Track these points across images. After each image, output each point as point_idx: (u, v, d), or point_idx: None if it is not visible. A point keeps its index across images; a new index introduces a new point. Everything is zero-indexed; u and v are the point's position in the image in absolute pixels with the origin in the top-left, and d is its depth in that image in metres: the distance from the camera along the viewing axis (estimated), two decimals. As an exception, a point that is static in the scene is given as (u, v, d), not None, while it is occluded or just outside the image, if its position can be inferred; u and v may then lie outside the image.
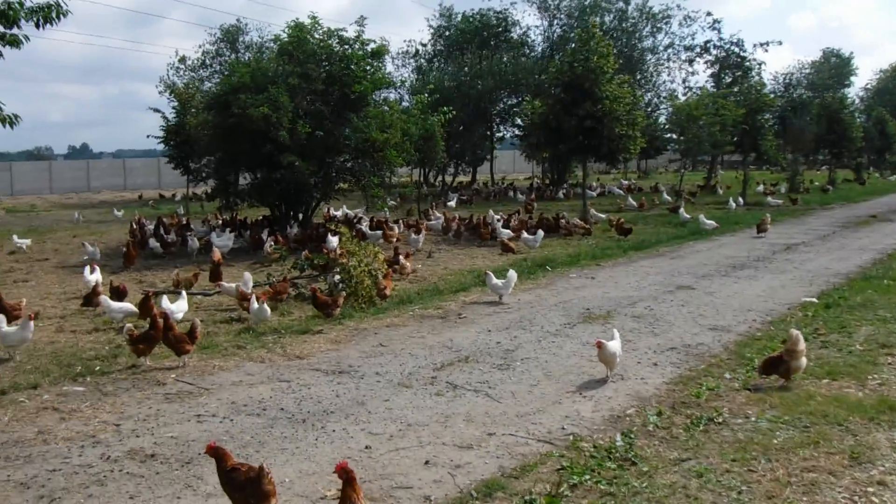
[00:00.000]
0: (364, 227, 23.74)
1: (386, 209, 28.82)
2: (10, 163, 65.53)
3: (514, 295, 14.60)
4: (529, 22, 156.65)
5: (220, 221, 26.26)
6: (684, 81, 60.24)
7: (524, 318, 12.80)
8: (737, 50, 56.46)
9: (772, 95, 46.83)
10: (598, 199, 39.31)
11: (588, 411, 8.17)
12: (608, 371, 9.38)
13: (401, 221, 26.30)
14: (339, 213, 29.17)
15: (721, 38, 56.98)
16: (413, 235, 21.85)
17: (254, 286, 14.53)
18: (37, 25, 13.38)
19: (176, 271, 16.34)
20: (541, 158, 49.29)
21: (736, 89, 45.05)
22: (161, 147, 38.16)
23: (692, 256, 19.98)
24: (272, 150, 21.18)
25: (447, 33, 54.86)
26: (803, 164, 55.82)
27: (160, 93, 47.35)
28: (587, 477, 6.49)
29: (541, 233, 21.69)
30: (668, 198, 36.65)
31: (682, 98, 49.94)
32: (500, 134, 56.74)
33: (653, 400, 8.52)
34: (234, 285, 14.11)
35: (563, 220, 25.09)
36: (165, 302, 12.26)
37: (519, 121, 51.48)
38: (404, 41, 70.79)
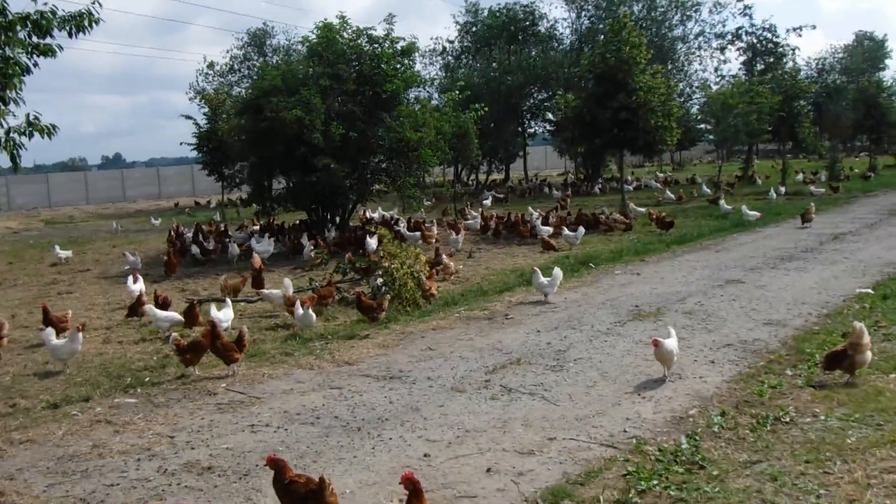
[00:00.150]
0: (402, 228, 23.60)
1: (422, 210, 28.64)
2: (46, 174, 66.29)
3: (559, 294, 14.38)
4: (556, 15, 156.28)
5: (258, 227, 26.25)
6: (716, 70, 59.56)
7: (572, 318, 12.57)
8: (769, 36, 55.61)
9: (807, 81, 46.02)
10: (634, 193, 38.86)
11: (649, 413, 7.95)
12: (665, 370, 9.14)
13: (435, 221, 26.12)
14: (375, 215, 29.09)
15: (753, 25, 56.24)
16: (452, 235, 21.67)
17: (296, 291, 14.44)
18: (70, 34, 13.30)
19: (224, 277, 16.30)
20: (574, 153, 48.83)
21: (770, 76, 44.22)
22: (194, 154, 38.40)
23: (737, 249, 19.61)
24: (306, 153, 21.11)
25: (474, 29, 54.58)
26: (842, 151, 54.89)
27: (190, 99, 47.67)
28: (655, 482, 6.29)
29: (581, 229, 21.41)
30: (708, 190, 36.09)
31: (715, 87, 49.26)
32: (532, 130, 56.37)
33: (714, 399, 8.28)
34: (277, 292, 14.03)
35: (603, 216, 24.79)
36: (214, 310, 12.19)
37: (550, 116, 51.13)
38: (431, 38, 70.67)
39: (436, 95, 41.49)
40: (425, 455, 7.01)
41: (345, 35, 22.90)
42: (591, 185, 45.00)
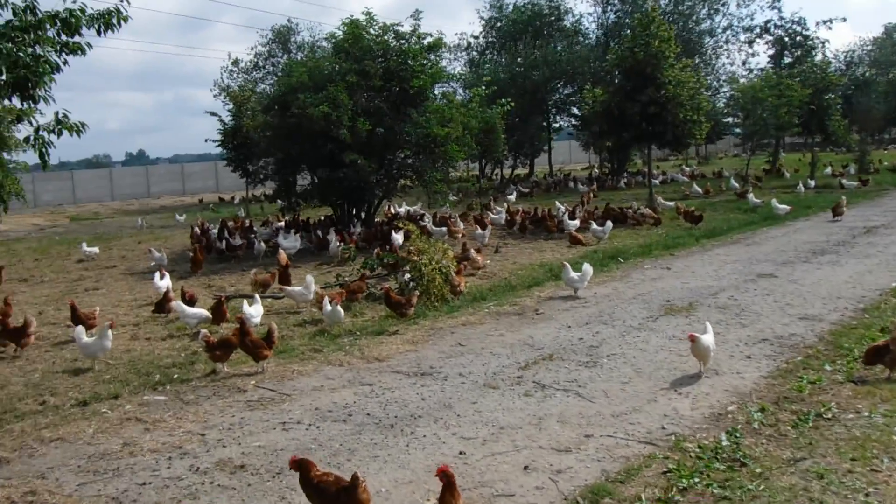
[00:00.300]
0: (427, 223, 23.48)
1: (447, 205, 28.52)
2: (71, 171, 66.61)
3: (588, 288, 14.21)
4: (582, 9, 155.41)
5: (283, 223, 26.22)
6: (744, 63, 58.94)
7: (603, 313, 12.41)
8: (799, 29, 54.90)
9: (836, 74, 45.42)
10: (661, 187, 38.52)
11: (686, 409, 7.79)
12: (702, 366, 8.97)
13: (459, 216, 25.92)
14: (402, 210, 28.98)
15: (782, 18, 55.56)
16: (478, 230, 21.53)
17: (325, 287, 14.36)
18: (98, 32, 13.25)
19: (254, 271, 16.27)
20: (600, 147, 48.47)
21: (798, 69, 43.66)
22: (218, 150, 38.46)
23: (768, 243, 19.33)
24: (333, 149, 21.03)
25: (498, 24, 54.29)
26: (870, 144, 54.19)
27: (215, 96, 47.73)
28: (696, 480, 6.15)
29: (609, 224, 21.21)
30: (736, 184, 35.72)
31: (743, 80, 48.70)
32: (557, 124, 56.04)
33: (753, 395, 8.11)
34: (299, 288, 13.96)
35: (630, 210, 24.56)
36: (246, 306, 12.14)
37: (575, 110, 50.77)
38: (455, 34, 70.58)
39: (461, 91, 41.20)
40: (461, 453, 6.89)
41: (371, 31, 22.79)
42: (617, 179, 44.71)
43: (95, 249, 23.16)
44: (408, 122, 21.84)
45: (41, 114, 12.63)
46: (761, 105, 36.35)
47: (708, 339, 8.90)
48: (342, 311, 12.07)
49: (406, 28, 23.05)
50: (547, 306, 13.20)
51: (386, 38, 22.84)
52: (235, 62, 54.46)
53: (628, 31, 36.64)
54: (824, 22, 55.69)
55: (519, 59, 49.39)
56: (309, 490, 5.65)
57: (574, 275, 13.85)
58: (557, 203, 27.43)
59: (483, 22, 55.31)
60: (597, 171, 55.65)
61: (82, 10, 13.20)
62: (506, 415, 7.82)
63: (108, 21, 13.51)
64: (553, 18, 53.29)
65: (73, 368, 10.54)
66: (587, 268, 14.10)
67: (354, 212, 24.72)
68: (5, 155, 18.37)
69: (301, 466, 5.69)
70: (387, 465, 6.73)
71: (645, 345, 10.31)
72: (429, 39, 23.16)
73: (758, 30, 55.14)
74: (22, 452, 7.44)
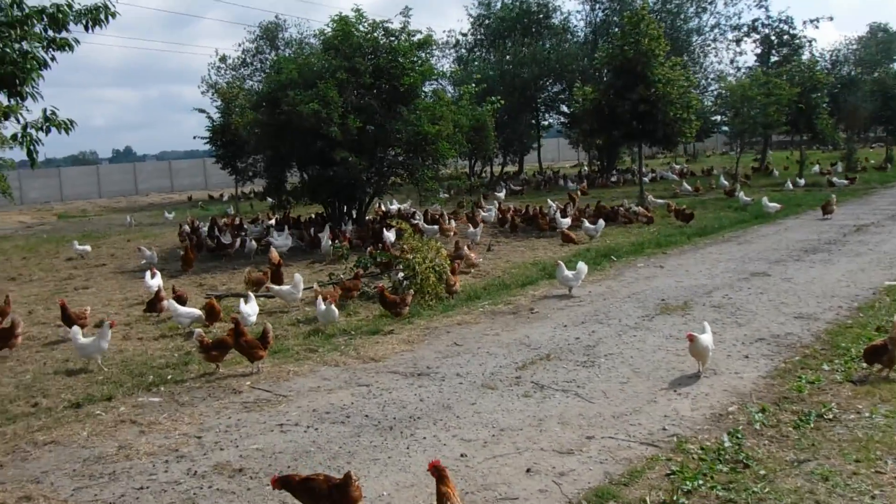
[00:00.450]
0: (419, 221, 23.38)
1: (439, 203, 28.41)
2: (58, 168, 65.93)
3: (583, 287, 14.17)
4: (570, 7, 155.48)
5: (273, 221, 26.08)
6: (732, 62, 58.98)
7: (599, 312, 12.36)
8: (786, 28, 55.04)
9: (823, 73, 45.55)
10: (651, 185, 38.48)
11: (687, 410, 7.75)
12: (700, 366, 8.93)
13: (449, 215, 25.78)
14: (393, 208, 28.86)
15: (769, 17, 55.68)
16: (470, 228, 21.45)
17: (323, 285, 14.29)
18: (86, 28, 13.15)
19: (247, 270, 16.15)
20: (589, 145, 48.48)
21: (786, 68, 43.75)
22: (206, 147, 38.27)
23: (760, 241, 19.35)
24: (324, 147, 20.93)
25: (487, 22, 54.24)
26: (857, 142, 54.44)
27: (202, 93, 47.49)
28: (700, 482, 6.10)
29: (602, 222, 21.16)
30: (725, 181, 35.80)
31: (731, 79, 48.82)
32: (546, 122, 56.06)
33: (753, 395, 8.09)
34: (287, 288, 13.88)
35: (622, 208, 24.55)
36: (243, 305, 12.02)
37: (564, 108, 50.76)
38: (444, 32, 70.35)
39: (450, 88, 41.10)
40: (462, 455, 6.81)
41: (361, 28, 22.69)
42: (607, 176, 44.73)
43: (87, 247, 22.95)
44: (398, 120, 21.77)
45: (28, 110, 12.52)
46: (750, 103, 36.42)
47: (707, 338, 8.86)
48: (336, 311, 11.97)
49: (396, 25, 23.00)
50: (542, 305, 13.14)
51: (376, 35, 22.76)
52: (223, 59, 54.28)
53: (617, 28, 36.66)
54: (811, 21, 55.94)
55: (508, 57, 49.39)
56: (300, 495, 5.59)
57: (569, 273, 13.80)
58: (550, 201, 27.39)
59: (471, 19, 55.27)
60: (586, 168, 55.67)
61: (70, 6, 13.06)
62: (506, 416, 7.76)
63: (95, 17, 13.37)
64: (541, 16, 53.27)
65: (65, 369, 10.41)
66: (581, 266, 14.06)
67: (345, 210, 24.60)
68: (-8, 152, 18.15)
69: (283, 485, 5.63)
70: (387, 468, 6.65)
71: (642, 344, 10.27)
72: (419, 37, 23.10)
73: (745, 28, 55.25)
74: (15, 456, 7.32)
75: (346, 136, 20.65)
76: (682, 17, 52.66)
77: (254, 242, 21.20)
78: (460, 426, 7.53)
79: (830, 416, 7.36)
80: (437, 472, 5.32)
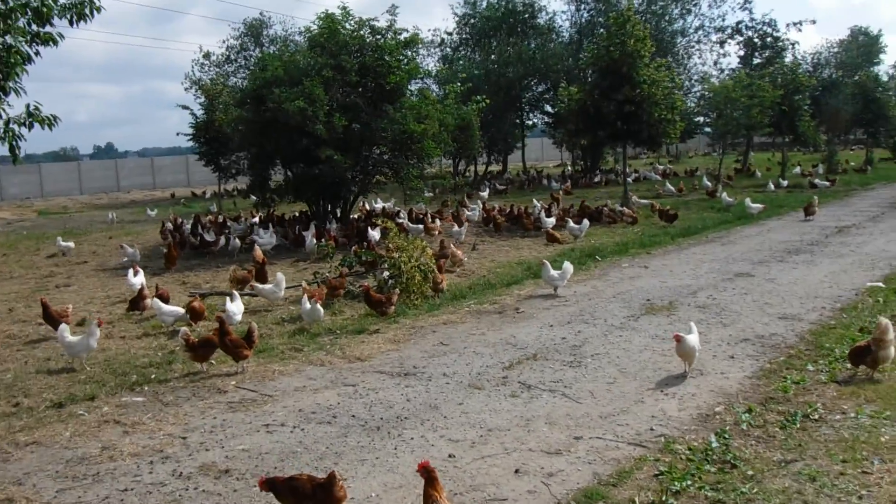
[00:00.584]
0: (404, 220, 23.32)
1: (423, 202, 28.36)
2: (38, 164, 65.13)
3: (568, 287, 14.18)
4: (556, 7, 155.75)
5: (257, 219, 25.94)
6: (716, 63, 59.21)
7: (584, 311, 12.37)
8: (769, 30, 55.36)
9: (805, 75, 45.85)
10: (634, 185, 38.57)
11: (674, 410, 7.76)
12: (686, 366, 8.95)
13: (435, 213, 25.76)
14: (378, 207, 28.77)
15: (753, 19, 55.98)
16: (455, 227, 21.42)
17: (308, 284, 14.23)
18: (70, 23, 13.00)
19: (232, 268, 16.06)
20: (573, 145, 48.53)
21: (768, 70, 43.98)
22: (189, 144, 38.00)
23: (743, 242, 19.43)
24: (309, 145, 20.84)
25: (472, 21, 54.23)
26: (838, 145, 54.84)
27: (186, 89, 46.85)
28: (689, 482, 6.11)
29: (586, 222, 21.18)
30: (708, 182, 35.95)
31: (714, 80, 49.01)
32: (531, 122, 56.15)
33: (739, 396, 8.11)
34: (269, 286, 13.83)
35: (606, 208, 24.59)
36: (229, 304, 11.95)
37: (549, 107, 50.81)
38: (429, 30, 70.18)
39: (434, 87, 41.06)
40: (450, 456, 6.79)
41: (347, 26, 22.61)
42: (591, 176, 44.82)
43: (70, 244, 22.70)
44: (384, 118, 21.71)
45: (10, 105, 12.37)
46: (734, 105, 36.57)
47: (693, 339, 8.88)
48: (321, 310, 11.91)
49: (382, 23, 22.93)
50: (527, 305, 13.14)
51: (362, 32, 22.70)
52: (207, 55, 53.79)
53: (602, 29, 36.68)
54: (795, 24, 56.27)
55: (493, 56, 49.41)
56: (284, 496, 5.56)
57: (554, 273, 13.81)
58: (535, 200, 27.39)
59: (457, 18, 55.20)
60: (570, 168, 55.79)
61: (55, 0, 12.92)
62: (493, 416, 7.74)
63: (80, 11, 13.22)
64: (527, 16, 53.30)
65: (47, 368, 10.30)
66: (567, 266, 14.07)
67: (330, 208, 24.51)
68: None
69: (269, 487, 5.59)
70: (375, 468, 6.61)
71: (628, 344, 10.28)
72: (405, 35, 23.04)
73: (729, 30, 55.53)
74: (-4, 456, 7.23)
75: (331, 134, 20.57)
76: (666, 18, 52.80)
77: (238, 240, 21.05)
78: (448, 426, 7.51)
79: (816, 417, 7.40)
80: (427, 473, 5.30)
